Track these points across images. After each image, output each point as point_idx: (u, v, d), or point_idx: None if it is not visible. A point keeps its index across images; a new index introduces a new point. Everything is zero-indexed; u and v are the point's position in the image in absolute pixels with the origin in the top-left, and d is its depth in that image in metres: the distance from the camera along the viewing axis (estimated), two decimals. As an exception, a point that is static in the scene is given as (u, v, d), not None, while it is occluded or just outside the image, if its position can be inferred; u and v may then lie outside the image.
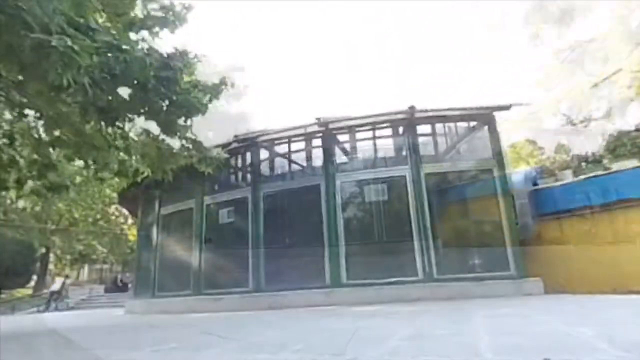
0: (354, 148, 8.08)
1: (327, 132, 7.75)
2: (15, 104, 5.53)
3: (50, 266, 29.89)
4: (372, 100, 36.63)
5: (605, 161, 9.97)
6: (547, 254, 9.32)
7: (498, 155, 7.18)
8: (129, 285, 18.90)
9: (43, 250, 24.69)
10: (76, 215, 17.77)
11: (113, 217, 20.51)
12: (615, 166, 9.13)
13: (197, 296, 7.57)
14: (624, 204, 8.17)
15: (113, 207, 20.75)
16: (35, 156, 6.06)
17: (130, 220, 21.39)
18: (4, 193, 8.22)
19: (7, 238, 20.48)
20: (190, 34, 6.73)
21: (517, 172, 10.97)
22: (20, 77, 4.53)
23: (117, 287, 19.77)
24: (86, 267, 38.56)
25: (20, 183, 6.09)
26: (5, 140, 5.86)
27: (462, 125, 8.05)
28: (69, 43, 3.45)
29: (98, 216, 18.00)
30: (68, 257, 30.74)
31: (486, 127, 7.45)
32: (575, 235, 8.94)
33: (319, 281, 6.88)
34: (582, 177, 9.50)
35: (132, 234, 20.91)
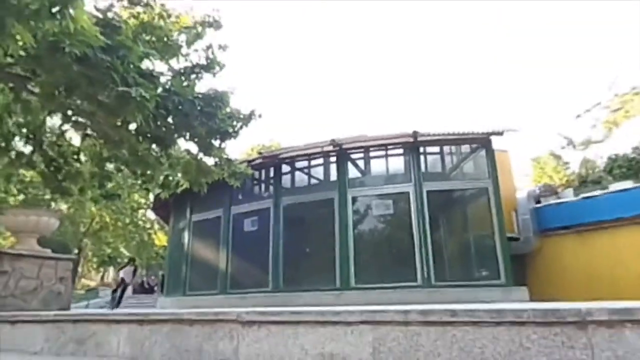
0: (364, 166, 9.06)
1: (341, 151, 8.76)
2: (82, 127, 6.80)
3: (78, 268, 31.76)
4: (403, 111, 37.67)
5: (604, 182, 10.54)
6: (544, 266, 10.00)
7: (493, 175, 7.99)
8: (155, 288, 20.17)
9: (76, 251, 26.47)
10: (107, 220, 19.07)
11: (140, 223, 21.83)
12: (612, 187, 9.74)
13: (224, 295, 8.60)
14: (616, 222, 8.81)
15: (140, 212, 22.12)
16: (95, 169, 7.31)
17: (156, 226, 22.55)
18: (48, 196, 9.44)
19: (46, 238, 22.14)
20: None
21: (521, 190, 11.68)
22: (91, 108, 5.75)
23: (144, 289, 21.17)
24: (110, 270, 40.47)
25: (83, 191, 7.33)
26: (74, 156, 7.12)
27: (465, 146, 8.90)
28: (143, 93, 4.63)
29: (127, 221, 19.25)
30: (95, 259, 32.57)
31: (483, 150, 8.29)
32: (571, 249, 9.59)
33: (330, 284, 7.80)
34: (581, 196, 10.15)
35: (158, 239, 22.06)
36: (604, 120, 9.56)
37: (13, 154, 6.83)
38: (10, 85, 5.92)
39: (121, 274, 13.56)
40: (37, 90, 5.68)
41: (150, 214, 19.68)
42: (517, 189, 11.39)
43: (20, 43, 3.80)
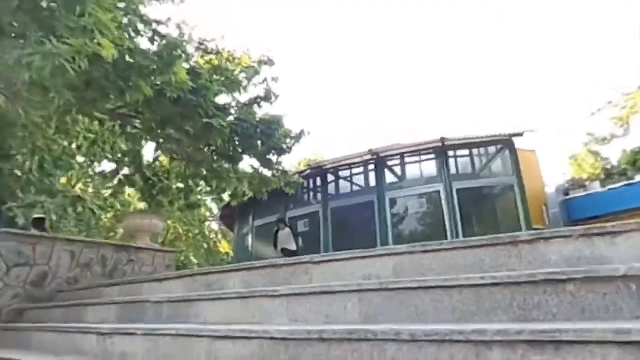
0: (399, 170, 10.31)
1: (378, 159, 10.08)
2: (170, 152, 8.63)
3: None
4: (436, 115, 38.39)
5: (629, 173, 11.00)
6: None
7: (518, 173, 8.95)
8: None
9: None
10: (180, 231, 21.08)
11: (207, 233, 23.73)
12: (637, 177, 10.29)
13: (283, 286, 10.08)
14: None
15: (207, 224, 24.08)
16: (181, 185, 9.13)
17: (220, 236, 24.44)
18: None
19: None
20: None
21: (550, 185, 12.39)
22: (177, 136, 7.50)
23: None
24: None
25: (172, 203, 9.16)
26: (165, 175, 8.97)
27: (490, 148, 9.91)
28: (222, 122, 6.27)
29: (196, 231, 21.09)
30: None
31: (507, 150, 9.28)
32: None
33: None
34: (607, 188, 10.79)
35: (222, 247, 23.92)
36: (617, 117, 10.06)
37: (121, 176, 8.80)
38: (119, 123, 7.89)
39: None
40: (139, 125, 7.58)
41: (214, 226, 21.67)
42: (547, 185, 12.09)
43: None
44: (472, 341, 1.15)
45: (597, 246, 1.88)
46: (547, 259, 2.00)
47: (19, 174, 6.94)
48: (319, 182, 10.79)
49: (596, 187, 11.06)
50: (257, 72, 8.54)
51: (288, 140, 8.37)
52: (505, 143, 9.25)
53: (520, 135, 8.81)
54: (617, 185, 10.21)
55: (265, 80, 8.40)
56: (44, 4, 3.78)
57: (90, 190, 10.85)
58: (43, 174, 7.31)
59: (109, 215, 11.07)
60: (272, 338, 1.70)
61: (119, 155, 8.65)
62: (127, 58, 5.19)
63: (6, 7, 3.63)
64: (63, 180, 10.15)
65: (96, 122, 7.57)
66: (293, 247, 8.39)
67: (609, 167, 15.38)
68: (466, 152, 9.72)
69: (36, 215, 7.07)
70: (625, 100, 9.47)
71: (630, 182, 10.06)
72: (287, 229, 8.65)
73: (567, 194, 11.68)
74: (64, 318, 3.80)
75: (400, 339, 1.32)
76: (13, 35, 3.93)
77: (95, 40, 3.65)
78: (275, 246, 8.73)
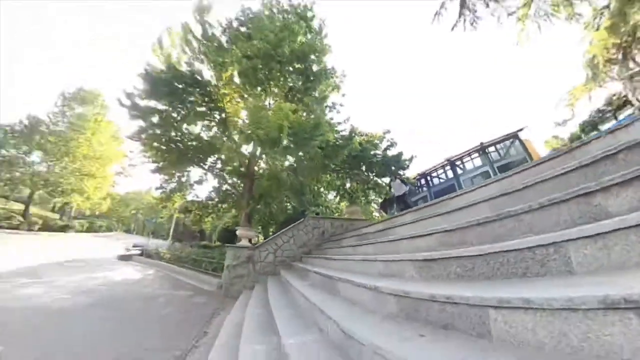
0: (463, 165, 19.41)
1: (451, 162, 19.35)
2: (355, 180, 18.82)
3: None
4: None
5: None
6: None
7: (525, 151, 17.52)
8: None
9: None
10: (364, 215, 31.66)
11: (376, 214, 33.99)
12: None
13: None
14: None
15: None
16: (362, 193, 19.18)
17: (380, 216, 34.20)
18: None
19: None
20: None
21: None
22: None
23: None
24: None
25: (360, 202, 19.18)
26: (354, 191, 19.07)
27: (507, 141, 18.66)
28: (377, 160, 16.32)
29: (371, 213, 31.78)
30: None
31: (517, 140, 17.99)
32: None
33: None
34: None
35: None
36: (567, 104, 16.68)
37: (338, 196, 19.04)
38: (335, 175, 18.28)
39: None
40: (341, 170, 17.84)
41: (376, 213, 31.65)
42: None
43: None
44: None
45: (619, 138, 2.55)
46: (592, 152, 2.56)
47: (309, 198, 17.45)
48: (422, 181, 20.34)
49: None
50: (384, 137, 18.55)
51: (406, 163, 18.19)
52: (514, 136, 18.04)
53: (522, 130, 17.59)
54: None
55: (389, 140, 18.37)
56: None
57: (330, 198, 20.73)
58: (317, 197, 17.81)
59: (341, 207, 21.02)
60: (445, 231, 2.76)
61: (337, 185, 18.95)
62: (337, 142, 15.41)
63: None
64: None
65: (327, 175, 18.02)
66: (402, 190, 11.55)
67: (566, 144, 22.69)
68: (495, 147, 18.63)
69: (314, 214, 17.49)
70: (570, 93, 16.42)
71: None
72: (398, 180, 12.05)
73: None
74: (334, 246, 6.61)
75: (531, 209, 2.07)
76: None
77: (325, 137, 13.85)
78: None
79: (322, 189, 18.61)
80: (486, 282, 1.84)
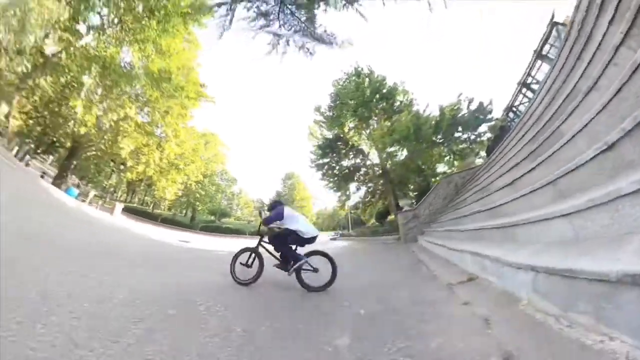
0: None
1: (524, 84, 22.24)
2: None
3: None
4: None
5: None
6: None
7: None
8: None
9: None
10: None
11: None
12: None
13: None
14: None
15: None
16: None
17: None
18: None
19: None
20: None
21: None
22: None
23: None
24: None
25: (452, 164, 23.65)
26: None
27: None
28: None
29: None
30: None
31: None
32: None
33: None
34: None
35: None
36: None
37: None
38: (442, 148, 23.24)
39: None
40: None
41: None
42: None
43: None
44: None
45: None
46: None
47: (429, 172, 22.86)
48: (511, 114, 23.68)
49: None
50: (460, 100, 22.45)
51: (489, 107, 22.03)
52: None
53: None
54: None
55: (465, 98, 22.47)
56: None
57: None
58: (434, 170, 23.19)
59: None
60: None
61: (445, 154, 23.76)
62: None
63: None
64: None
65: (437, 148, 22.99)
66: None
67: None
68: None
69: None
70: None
71: None
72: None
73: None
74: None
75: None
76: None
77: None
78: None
79: (436, 164, 23.20)
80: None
